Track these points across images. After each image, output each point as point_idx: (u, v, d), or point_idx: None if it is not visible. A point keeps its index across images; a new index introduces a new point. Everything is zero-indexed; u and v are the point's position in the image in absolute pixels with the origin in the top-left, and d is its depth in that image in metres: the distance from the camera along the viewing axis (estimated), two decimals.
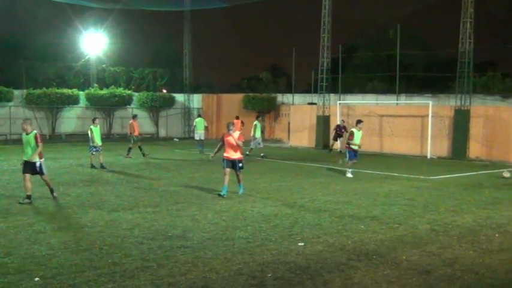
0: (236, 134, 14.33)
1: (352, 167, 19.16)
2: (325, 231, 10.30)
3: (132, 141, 25.32)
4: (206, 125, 30.71)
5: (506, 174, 19.24)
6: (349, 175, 18.85)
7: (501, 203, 13.73)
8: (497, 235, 10.24)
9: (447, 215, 12.07)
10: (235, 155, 14.28)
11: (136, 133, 25.49)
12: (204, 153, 27.34)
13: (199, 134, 29.40)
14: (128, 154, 24.95)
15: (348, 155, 19.20)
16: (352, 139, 19.00)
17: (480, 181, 18.12)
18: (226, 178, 14.26)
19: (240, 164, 14.39)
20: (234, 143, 14.19)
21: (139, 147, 25.61)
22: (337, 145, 30.19)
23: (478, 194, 15.18)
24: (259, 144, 26.05)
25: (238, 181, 14.64)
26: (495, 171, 21.26)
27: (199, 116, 31.79)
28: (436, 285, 7.28)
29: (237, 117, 33.61)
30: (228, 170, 14.30)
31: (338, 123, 30.85)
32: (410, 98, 35.40)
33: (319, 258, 8.50)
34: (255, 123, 26.43)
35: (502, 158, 25.48)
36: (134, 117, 26.46)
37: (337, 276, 7.60)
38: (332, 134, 30.95)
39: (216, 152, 14.79)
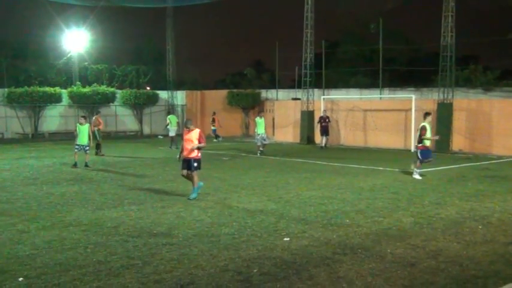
0: (196, 132, 13.37)
1: (421, 167, 17.35)
2: (311, 226, 10.33)
3: (98, 138, 24.99)
4: (178, 121, 31.12)
5: None
6: (417, 176, 16.91)
7: (484, 195, 13.86)
8: (480, 227, 10.34)
9: (431, 208, 12.16)
10: (192, 154, 13.28)
11: (101, 127, 25.64)
12: (171, 147, 28.80)
13: (174, 130, 29.71)
14: (99, 151, 24.73)
15: (420, 156, 17.17)
16: (425, 134, 17.10)
17: (463, 174, 18.28)
18: (193, 179, 13.36)
19: (196, 164, 13.30)
20: (192, 141, 13.25)
21: (98, 144, 25.03)
22: (324, 140, 29.76)
23: (461, 187, 15.32)
24: (264, 140, 25.42)
25: (192, 183, 13.44)
26: (478, 163, 21.48)
27: (169, 113, 31.68)
28: (421, 278, 7.33)
29: (214, 114, 33.67)
30: (185, 171, 13.44)
31: (321, 114, 30.50)
32: (393, 92, 35.63)
33: (305, 252, 8.52)
34: (256, 119, 26.22)
35: (484, 151, 25.74)
36: (98, 113, 26.77)
37: (323, 271, 7.63)
38: (317, 127, 30.62)
39: (181, 153, 13.68)
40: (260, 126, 25.54)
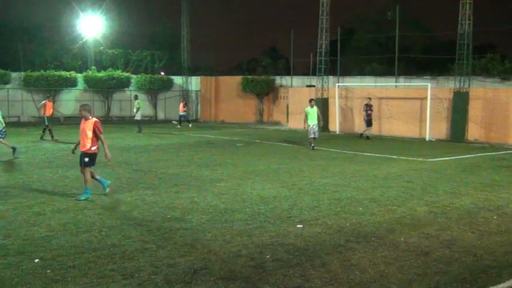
0: (91, 122, 11.65)
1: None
2: (324, 214, 10.32)
3: (45, 123, 24.68)
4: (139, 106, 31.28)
5: None
6: None
7: (499, 185, 13.76)
8: (495, 217, 10.28)
9: (445, 197, 12.09)
10: (84, 148, 11.66)
11: (48, 114, 24.91)
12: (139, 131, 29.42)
13: (140, 114, 30.57)
14: (42, 137, 24.60)
15: None
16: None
17: (478, 163, 18.15)
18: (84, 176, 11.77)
19: (86, 159, 11.61)
20: (86, 132, 11.63)
21: (49, 130, 24.74)
22: (369, 130, 27.79)
23: (476, 176, 15.21)
24: (313, 134, 21.89)
25: (84, 181, 11.75)
26: (493, 153, 21.29)
27: (136, 97, 31.95)
28: (434, 267, 7.31)
29: (184, 99, 33.40)
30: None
31: (366, 102, 28.08)
32: (409, 80, 35.37)
33: (318, 240, 8.53)
34: (306, 109, 22.26)
35: (501, 141, 25.51)
36: (49, 97, 26.44)
37: (336, 258, 7.63)
38: (363, 115, 28.03)
39: (77, 145, 12.09)
40: (311, 116, 21.93)
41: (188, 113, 37.32)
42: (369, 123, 27.73)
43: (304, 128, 22.31)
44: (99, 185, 12.17)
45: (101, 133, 11.69)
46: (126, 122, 38.17)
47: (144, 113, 36.05)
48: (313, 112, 21.99)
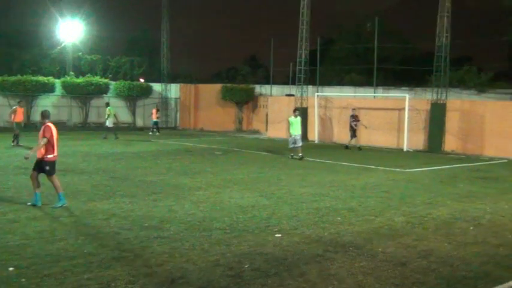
0: (43, 127, 11.43)
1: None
2: (302, 223, 10.33)
3: (15, 127, 24.23)
4: (115, 113, 31.44)
5: None
6: None
7: (475, 196, 13.91)
8: (471, 228, 10.38)
9: (423, 208, 12.19)
10: (41, 154, 11.37)
11: (18, 120, 24.43)
12: (116, 138, 29.47)
13: (112, 121, 30.56)
14: (14, 142, 24.12)
15: None
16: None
17: (455, 174, 18.34)
18: (35, 182, 11.42)
19: (47, 168, 11.36)
20: (40, 138, 11.33)
21: (16, 135, 24.14)
22: (354, 140, 27.07)
23: (453, 187, 15.37)
24: (294, 143, 21.77)
25: (54, 188, 11.48)
26: (470, 164, 21.55)
27: (108, 104, 32.00)
28: (412, 277, 7.35)
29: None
30: (35, 173, 11.47)
31: (351, 113, 27.48)
32: (387, 91, 35.74)
33: (296, 249, 8.52)
34: (290, 119, 22.26)
35: (477, 152, 25.83)
36: (19, 102, 26.25)
37: (314, 268, 7.63)
38: (350, 126, 27.22)
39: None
40: (294, 126, 21.78)
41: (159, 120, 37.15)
42: (353, 133, 27.15)
43: (290, 137, 22.09)
44: (78, 193, 12.00)
45: (44, 137, 11.27)
46: (104, 128, 37.84)
47: (122, 120, 35.84)
48: (296, 122, 21.83)
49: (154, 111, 36.08)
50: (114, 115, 30.78)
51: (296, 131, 21.72)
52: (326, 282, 7.08)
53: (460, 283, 7.20)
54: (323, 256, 8.21)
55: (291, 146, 21.83)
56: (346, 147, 27.40)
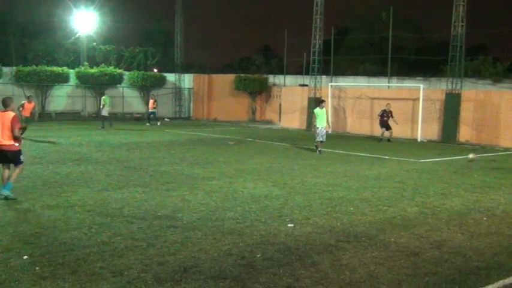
0: (10, 114, 10.97)
1: None
2: (315, 213, 10.33)
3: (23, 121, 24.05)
4: (110, 102, 31.77)
5: (471, 156, 19.46)
6: None
7: (489, 187, 13.81)
8: (485, 218, 10.31)
9: (436, 198, 12.13)
10: (6, 142, 10.91)
11: (25, 114, 24.14)
12: (111, 127, 29.64)
13: (107, 110, 30.90)
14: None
15: None
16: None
17: (469, 165, 18.20)
18: (4, 173, 11.18)
19: (22, 157, 11.21)
20: (6, 125, 10.84)
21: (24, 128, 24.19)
22: (387, 133, 26.24)
23: (467, 178, 15.26)
24: (321, 137, 20.44)
25: (8, 177, 11.10)
26: (484, 155, 21.38)
27: (102, 93, 32.50)
28: (424, 268, 7.33)
29: (153, 96, 32.66)
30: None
31: (384, 108, 26.62)
32: (401, 81, 35.49)
33: (308, 239, 8.53)
34: (315, 110, 20.91)
35: (492, 142, 25.62)
36: (29, 97, 26.14)
37: (326, 258, 7.64)
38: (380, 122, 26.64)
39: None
40: (320, 118, 20.43)
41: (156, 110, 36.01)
42: (381, 125, 26.43)
43: (312, 130, 20.52)
44: (92, 182, 12.09)
45: (18, 128, 10.92)
46: (118, 118, 38.06)
47: (108, 109, 35.53)
48: (323, 114, 20.49)
49: (151, 101, 35.12)
50: (109, 104, 30.86)
51: (322, 123, 20.39)
52: (338, 272, 7.08)
53: (472, 273, 7.17)
54: (335, 246, 8.21)
55: (320, 139, 20.37)
56: (383, 140, 25.99)
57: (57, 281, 6.46)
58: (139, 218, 9.53)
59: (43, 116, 36.80)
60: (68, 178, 13.51)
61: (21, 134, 11.22)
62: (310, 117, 32.50)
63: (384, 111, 26.42)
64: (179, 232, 8.70)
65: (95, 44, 43.65)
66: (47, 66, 37.97)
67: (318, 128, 20.42)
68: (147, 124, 34.14)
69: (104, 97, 31.21)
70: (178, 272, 6.90)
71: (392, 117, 26.24)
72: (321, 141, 20.43)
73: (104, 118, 30.60)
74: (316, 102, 20.35)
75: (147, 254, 7.54)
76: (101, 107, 31.02)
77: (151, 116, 35.05)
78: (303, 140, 26.10)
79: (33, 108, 25.54)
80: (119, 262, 7.19)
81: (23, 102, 25.01)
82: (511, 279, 7.01)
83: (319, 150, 20.26)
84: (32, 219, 9.31)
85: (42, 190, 11.92)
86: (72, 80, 38.97)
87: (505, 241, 8.77)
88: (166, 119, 38.77)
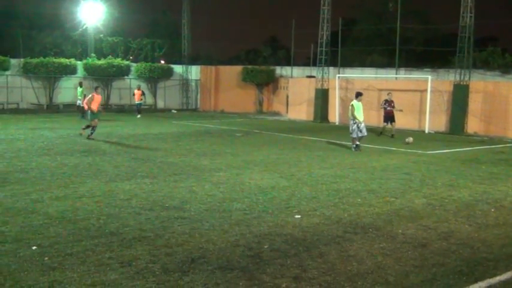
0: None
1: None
2: (322, 204, 10.33)
3: (90, 117, 22.06)
4: (85, 93, 29.94)
5: (409, 140, 20.59)
6: None
7: (497, 178, 13.77)
8: (493, 210, 10.29)
9: (444, 190, 12.10)
10: None
11: (94, 108, 22.95)
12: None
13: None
14: (90, 134, 23.58)
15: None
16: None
17: (477, 156, 18.14)
18: None
19: None
20: None
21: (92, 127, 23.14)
22: (390, 127, 24.73)
23: (475, 169, 15.21)
24: (361, 132, 18.74)
25: None
26: (492, 146, 21.30)
27: (81, 84, 32.29)
28: (432, 259, 7.33)
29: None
30: None
31: (386, 98, 25.21)
32: (409, 72, 35.33)
33: (316, 230, 8.54)
34: (353, 102, 19.34)
35: (500, 134, 25.50)
36: (96, 88, 23.79)
37: (333, 249, 7.65)
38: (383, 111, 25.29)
39: None
40: (359, 112, 18.92)
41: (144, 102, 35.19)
42: (385, 119, 25.02)
43: (353, 124, 18.69)
44: (100, 173, 12.13)
45: None
46: (126, 110, 38.15)
47: (143, 101, 35.35)
48: (361, 107, 19.04)
49: (138, 92, 34.00)
50: (85, 95, 29.06)
51: (362, 116, 18.82)
52: (345, 263, 7.09)
53: (480, 265, 7.16)
54: (342, 237, 8.22)
55: (357, 135, 18.68)
56: (392, 135, 24.18)
57: (66, 272, 6.50)
58: (147, 209, 9.57)
59: (51, 108, 36.94)
60: (76, 169, 13.56)
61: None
62: (318, 109, 32.55)
63: (386, 101, 25.02)
64: (187, 223, 8.73)
65: (102, 35, 43.68)
66: (55, 58, 38.06)
67: (356, 121, 18.60)
68: (138, 116, 33.01)
69: (81, 88, 31.24)
70: (186, 262, 6.92)
71: (394, 107, 24.75)
72: (361, 137, 18.77)
73: (80, 108, 29.27)
74: (356, 95, 19.30)
75: (155, 245, 7.57)
76: (78, 97, 30.64)
77: (138, 107, 34.00)
78: (311, 131, 26.09)
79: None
80: (127, 253, 7.22)
81: (90, 95, 21.94)
82: None
83: (357, 146, 18.74)
84: (41, 210, 9.36)
85: (50, 181, 11.98)
86: (80, 72, 39.04)
87: None
88: (173, 111, 38.78)
